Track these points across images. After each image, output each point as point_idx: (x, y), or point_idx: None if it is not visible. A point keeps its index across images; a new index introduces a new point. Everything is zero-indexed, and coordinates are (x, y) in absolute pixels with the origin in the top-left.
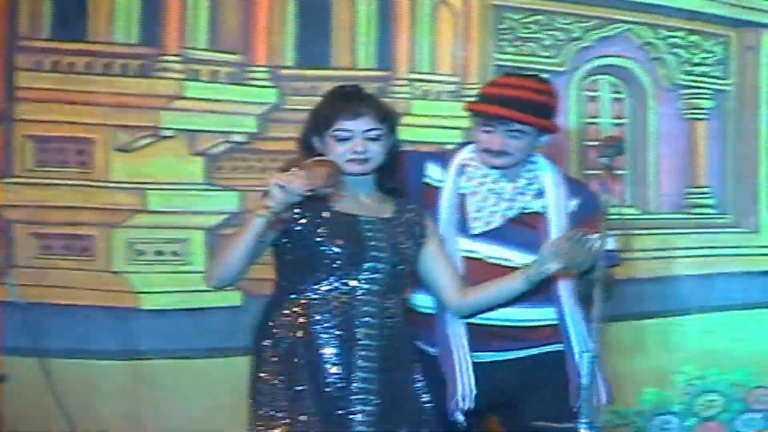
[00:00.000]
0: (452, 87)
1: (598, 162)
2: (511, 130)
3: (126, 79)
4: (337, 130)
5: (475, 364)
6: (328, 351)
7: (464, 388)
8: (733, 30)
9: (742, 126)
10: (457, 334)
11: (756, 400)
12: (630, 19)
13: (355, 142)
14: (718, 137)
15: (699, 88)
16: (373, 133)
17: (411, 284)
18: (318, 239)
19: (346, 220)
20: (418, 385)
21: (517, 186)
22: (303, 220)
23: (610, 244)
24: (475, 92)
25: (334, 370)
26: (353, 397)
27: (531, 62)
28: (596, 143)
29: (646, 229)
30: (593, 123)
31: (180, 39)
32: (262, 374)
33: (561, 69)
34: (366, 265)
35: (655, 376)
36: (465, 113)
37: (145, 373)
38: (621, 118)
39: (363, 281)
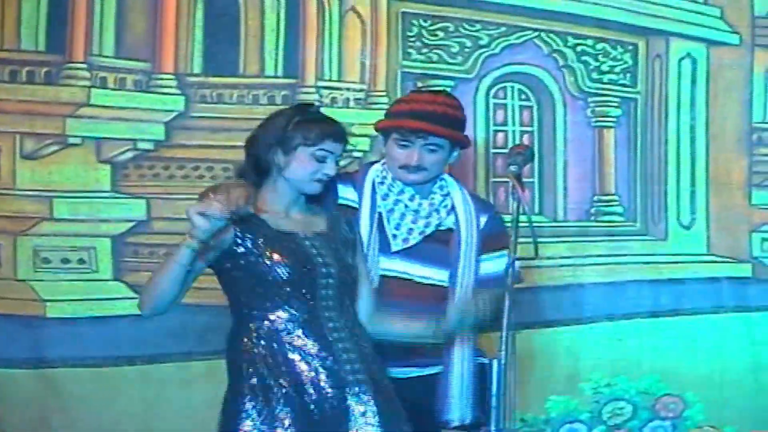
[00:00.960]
0: (360, 94)
1: (506, 170)
2: (427, 144)
3: (32, 86)
4: (321, 150)
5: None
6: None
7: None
8: (641, 38)
9: (650, 134)
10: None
11: (664, 408)
12: (538, 26)
13: (329, 164)
14: (626, 145)
15: (607, 96)
16: (339, 157)
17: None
18: (266, 263)
19: (287, 239)
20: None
21: (432, 203)
22: (246, 243)
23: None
24: (382, 99)
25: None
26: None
27: (439, 69)
28: (505, 151)
29: (555, 237)
30: (501, 131)
31: (87, 46)
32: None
33: (469, 76)
34: (320, 282)
35: (563, 383)
36: (372, 121)
37: (53, 381)
38: (529, 126)
39: (321, 299)
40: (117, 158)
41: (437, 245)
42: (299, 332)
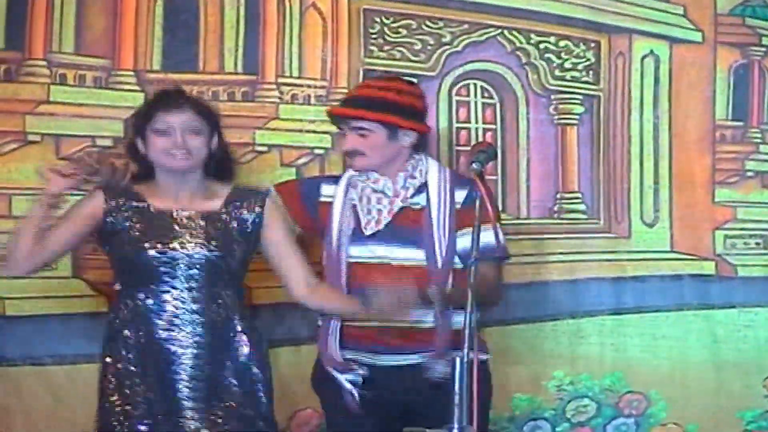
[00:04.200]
0: (321, 91)
1: (468, 167)
2: (354, 128)
3: None
4: (157, 124)
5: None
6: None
7: None
8: (604, 36)
9: (613, 131)
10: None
11: (627, 405)
12: (501, 24)
13: (174, 136)
14: (589, 143)
15: (570, 93)
16: (193, 126)
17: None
18: (138, 243)
19: (158, 218)
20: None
21: (396, 181)
22: (122, 221)
23: (496, 237)
24: (343, 96)
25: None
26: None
27: (401, 67)
28: (467, 148)
29: (517, 234)
30: (464, 128)
31: (46, 43)
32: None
33: (431, 74)
34: (181, 263)
35: (527, 381)
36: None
37: (11, 379)
38: (492, 124)
39: (182, 278)
40: (76, 155)
41: (409, 225)
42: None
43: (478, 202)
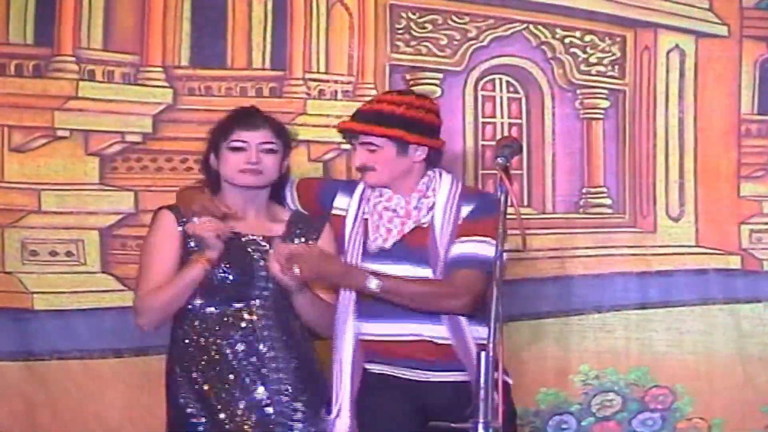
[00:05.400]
0: (348, 87)
1: (494, 162)
2: (363, 143)
3: (21, 79)
4: (233, 140)
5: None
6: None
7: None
8: (629, 30)
9: (638, 126)
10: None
11: (653, 400)
12: (526, 18)
13: (249, 153)
14: (614, 137)
15: (595, 88)
16: (268, 146)
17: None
18: (220, 266)
19: (233, 242)
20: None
21: (410, 201)
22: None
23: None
24: (370, 92)
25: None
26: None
27: (427, 62)
28: (493, 143)
29: (543, 228)
30: (490, 123)
31: (75, 39)
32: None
33: (457, 68)
34: (257, 284)
35: (552, 375)
36: None
37: (39, 373)
38: (518, 118)
39: (256, 299)
40: (105, 151)
41: (415, 243)
42: (223, 332)
43: (481, 216)
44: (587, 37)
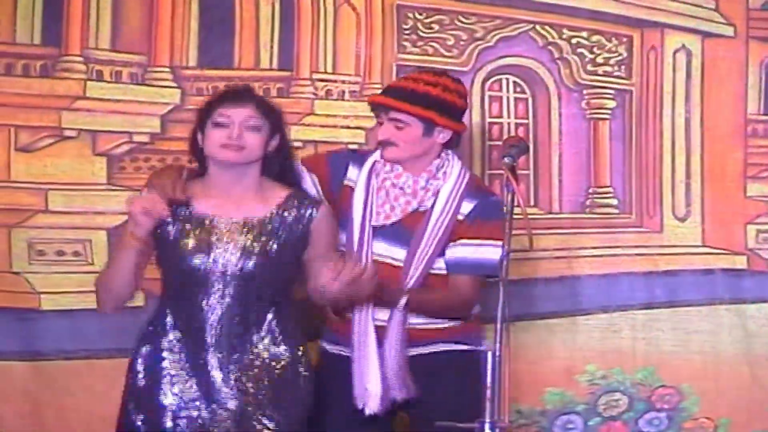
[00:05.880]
0: (355, 87)
1: (500, 162)
2: (392, 119)
3: (28, 79)
4: (217, 116)
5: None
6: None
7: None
8: (636, 30)
9: (645, 126)
10: (364, 332)
11: (659, 399)
12: (533, 19)
13: (231, 129)
14: (621, 137)
15: (602, 88)
16: (252, 122)
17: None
18: (182, 251)
19: (201, 226)
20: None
21: (418, 180)
22: (170, 229)
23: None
24: (377, 92)
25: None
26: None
27: (434, 62)
28: (500, 143)
29: (549, 229)
30: (497, 123)
31: (82, 39)
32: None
33: (464, 69)
34: (217, 272)
35: (559, 375)
36: (368, 113)
37: (45, 373)
38: (524, 118)
39: (217, 285)
40: (113, 151)
41: (409, 226)
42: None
43: (480, 218)
44: (594, 38)
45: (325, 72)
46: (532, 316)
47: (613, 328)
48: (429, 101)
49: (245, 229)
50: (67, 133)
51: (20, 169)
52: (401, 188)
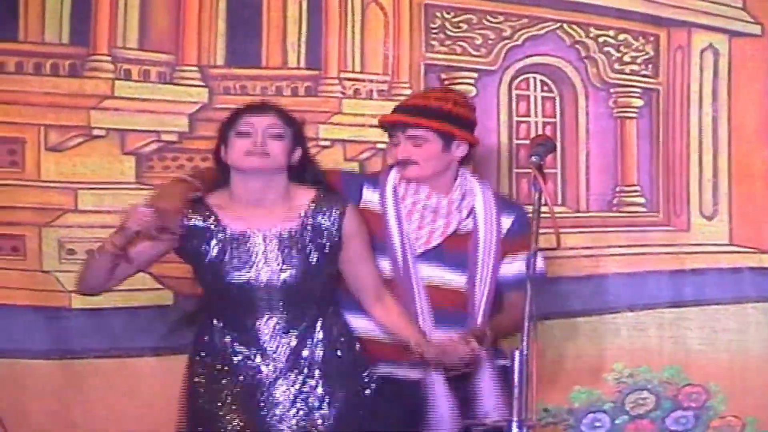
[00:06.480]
0: (383, 86)
1: (529, 161)
2: (410, 137)
3: (57, 78)
4: (241, 126)
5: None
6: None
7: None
8: (663, 29)
9: (672, 125)
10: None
11: (686, 398)
12: (560, 18)
13: (255, 137)
14: (648, 136)
15: (629, 86)
16: (275, 131)
17: (332, 287)
18: (223, 269)
19: (238, 242)
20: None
21: (452, 200)
22: (205, 249)
23: (540, 263)
24: (405, 91)
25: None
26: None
27: (462, 61)
28: (527, 142)
29: (577, 227)
30: (524, 122)
31: (110, 38)
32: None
33: (492, 68)
34: (262, 286)
35: (586, 373)
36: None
37: (75, 372)
38: (552, 117)
39: (263, 300)
40: (141, 150)
41: (457, 249)
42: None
43: (523, 231)
44: (621, 36)
45: (353, 71)
46: (560, 315)
47: (640, 327)
48: (445, 115)
49: (283, 241)
50: (96, 132)
51: (50, 169)
52: (435, 210)
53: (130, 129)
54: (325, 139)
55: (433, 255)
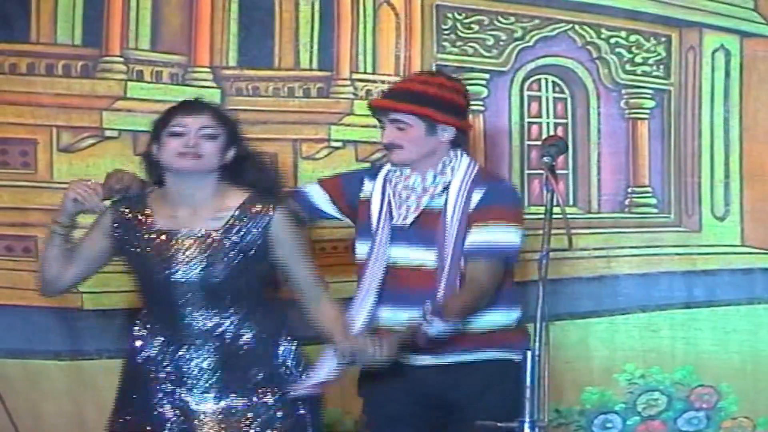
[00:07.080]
0: None
1: (540, 161)
2: (393, 121)
3: (69, 79)
4: (173, 126)
5: (408, 366)
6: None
7: None
8: (674, 30)
9: (683, 126)
10: None
11: (698, 399)
12: (571, 19)
13: (188, 138)
14: (659, 137)
15: (641, 87)
16: (208, 131)
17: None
18: (147, 265)
19: (162, 240)
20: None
21: (426, 178)
22: (137, 243)
23: (514, 237)
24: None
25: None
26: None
27: (473, 62)
28: (539, 143)
29: (588, 228)
30: (536, 123)
31: (123, 40)
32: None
33: (503, 69)
34: (185, 284)
35: (598, 374)
36: None
37: (87, 373)
38: (563, 118)
39: (183, 304)
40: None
41: (427, 227)
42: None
43: (492, 204)
44: (632, 37)
45: (365, 72)
46: (571, 316)
47: (651, 328)
48: (426, 99)
49: (206, 241)
50: (108, 133)
51: (62, 170)
52: (412, 188)
53: (142, 130)
54: (337, 140)
55: (411, 235)
